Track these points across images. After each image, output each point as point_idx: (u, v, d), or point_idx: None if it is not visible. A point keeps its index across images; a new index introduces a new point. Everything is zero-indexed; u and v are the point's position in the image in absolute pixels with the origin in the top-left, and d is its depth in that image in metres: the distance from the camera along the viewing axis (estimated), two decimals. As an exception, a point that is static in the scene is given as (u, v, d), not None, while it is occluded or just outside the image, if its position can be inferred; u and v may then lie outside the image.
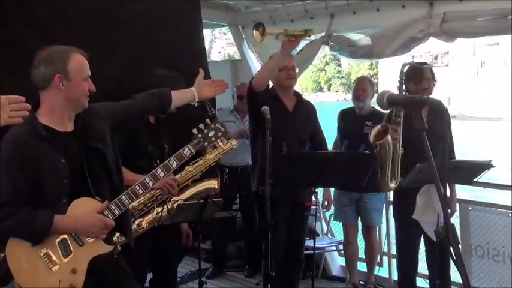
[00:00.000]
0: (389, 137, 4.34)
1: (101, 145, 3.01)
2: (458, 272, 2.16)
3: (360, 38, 5.85)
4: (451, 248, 2.07)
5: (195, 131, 3.30)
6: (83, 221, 2.87)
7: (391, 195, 5.86)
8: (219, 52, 50.07)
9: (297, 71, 5.04)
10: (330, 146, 5.70)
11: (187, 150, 3.28)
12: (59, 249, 2.84)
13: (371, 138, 4.34)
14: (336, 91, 66.92)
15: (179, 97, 3.45)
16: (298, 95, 5.06)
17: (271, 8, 6.29)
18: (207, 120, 3.33)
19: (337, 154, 4.74)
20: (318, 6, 5.85)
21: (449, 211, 4.88)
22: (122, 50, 4.56)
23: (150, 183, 3.15)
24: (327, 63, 63.63)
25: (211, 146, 4.08)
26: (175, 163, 3.23)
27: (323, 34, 5.96)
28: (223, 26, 7.01)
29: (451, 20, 5.08)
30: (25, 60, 2.95)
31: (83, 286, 2.85)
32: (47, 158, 2.81)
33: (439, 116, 4.69)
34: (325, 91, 67.92)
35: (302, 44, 6.23)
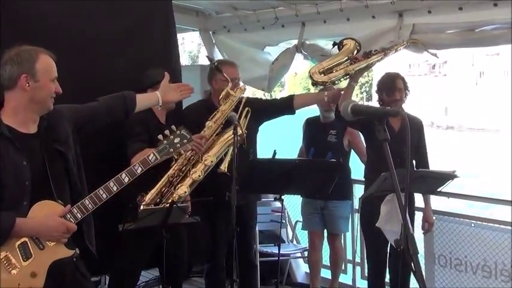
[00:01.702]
0: (356, 45, 4.60)
1: (63, 148, 2.99)
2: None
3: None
4: (411, 258, 2.09)
5: (160, 137, 3.30)
6: (44, 224, 2.84)
7: (357, 203, 5.93)
8: (207, 56, 49.76)
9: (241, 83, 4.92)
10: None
11: (152, 156, 3.27)
12: (19, 252, 2.81)
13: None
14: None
15: (143, 100, 3.47)
16: None
17: (242, 15, 6.28)
18: (173, 127, 3.32)
19: (303, 162, 4.74)
20: (289, 14, 5.85)
21: (427, 224, 4.97)
22: (93, 52, 4.52)
23: (114, 188, 3.11)
24: (316, 71, 62.65)
25: (222, 101, 4.41)
26: (140, 168, 3.21)
27: (296, 42, 6.00)
28: (193, 30, 6.98)
29: (420, 31, 5.12)
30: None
31: None
32: (10, 159, 2.78)
33: (412, 126, 4.77)
34: (314, 98, 67.42)
35: (277, 52, 6.30)
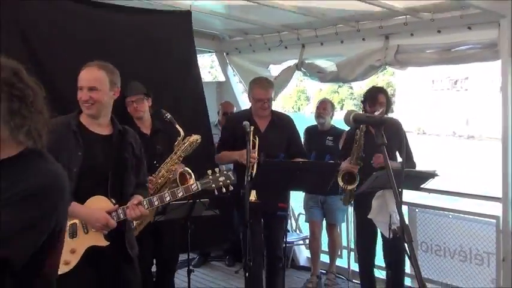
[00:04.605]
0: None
1: (129, 156, 3.04)
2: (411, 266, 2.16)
3: (328, 65, 5.92)
4: (406, 246, 2.07)
5: (209, 171, 3.20)
6: (91, 214, 2.90)
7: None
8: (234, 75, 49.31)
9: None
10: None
11: (195, 186, 3.20)
12: (68, 229, 2.84)
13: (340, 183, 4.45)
14: (349, 111, 64.56)
15: None
16: (273, 114, 4.71)
17: (251, 38, 6.32)
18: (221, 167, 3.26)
19: (306, 163, 4.71)
20: (291, 37, 5.90)
21: None
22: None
23: (156, 203, 3.13)
24: (339, 86, 58.87)
25: (177, 147, 4.09)
26: (181, 193, 3.18)
27: (296, 61, 6.02)
28: (210, 52, 6.98)
29: (404, 51, 5.15)
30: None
31: (80, 272, 2.82)
32: (68, 146, 2.85)
33: (393, 130, 4.71)
34: (338, 111, 65.92)
35: (279, 70, 6.30)
